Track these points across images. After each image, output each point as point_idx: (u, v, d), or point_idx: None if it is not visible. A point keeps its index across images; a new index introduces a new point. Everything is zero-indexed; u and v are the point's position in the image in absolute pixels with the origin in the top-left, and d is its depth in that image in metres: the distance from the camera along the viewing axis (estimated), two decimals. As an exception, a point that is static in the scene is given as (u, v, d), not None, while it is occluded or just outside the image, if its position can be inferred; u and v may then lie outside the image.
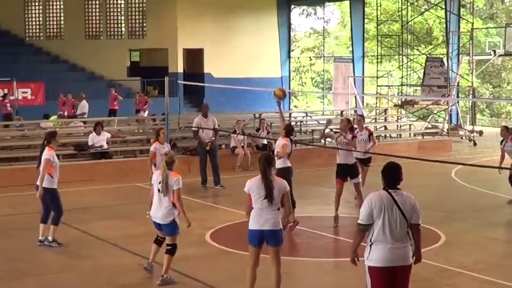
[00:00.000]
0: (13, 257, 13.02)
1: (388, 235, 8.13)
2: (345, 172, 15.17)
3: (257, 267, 9.85)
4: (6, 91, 31.08)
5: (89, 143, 22.38)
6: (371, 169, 16.83)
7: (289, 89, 48.87)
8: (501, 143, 18.04)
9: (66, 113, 31.28)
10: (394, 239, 8.13)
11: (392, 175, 8.34)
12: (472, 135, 32.18)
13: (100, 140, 22.33)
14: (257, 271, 9.87)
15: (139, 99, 33.56)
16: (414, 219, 8.23)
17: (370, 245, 8.24)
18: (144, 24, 45.71)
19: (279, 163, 13.72)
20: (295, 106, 53.97)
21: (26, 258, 12.92)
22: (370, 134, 18.02)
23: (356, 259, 8.46)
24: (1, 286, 11.49)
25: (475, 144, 30.70)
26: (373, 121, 33.38)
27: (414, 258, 8.31)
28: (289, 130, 14.70)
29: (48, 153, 13.28)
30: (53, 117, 28.83)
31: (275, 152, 14.20)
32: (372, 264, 8.21)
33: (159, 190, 11.10)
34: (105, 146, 22.46)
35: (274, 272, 9.79)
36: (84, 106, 31.38)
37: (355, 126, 17.59)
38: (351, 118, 19.27)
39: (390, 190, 8.26)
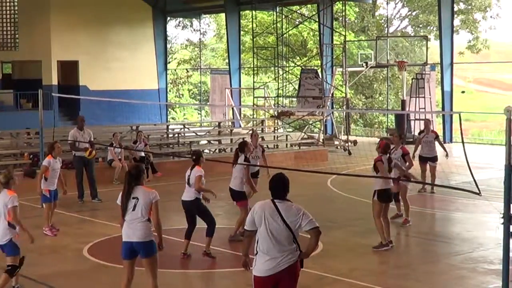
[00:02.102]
0: None
1: (270, 243, 8.26)
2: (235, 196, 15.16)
3: (131, 281, 9.83)
4: None
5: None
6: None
7: (166, 100, 48.79)
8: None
9: None
10: (277, 248, 8.26)
11: (277, 186, 8.49)
12: (346, 144, 32.81)
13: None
14: (131, 285, 9.82)
15: None
16: (308, 225, 8.29)
17: (256, 254, 8.39)
18: (16, 36, 44.66)
19: (193, 194, 13.35)
20: (172, 118, 53.90)
21: None
22: (263, 151, 18.02)
23: (248, 263, 8.60)
24: None
25: (349, 153, 31.28)
26: (250, 132, 33.58)
27: (302, 252, 8.42)
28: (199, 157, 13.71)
29: None
30: None
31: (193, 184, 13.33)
32: (255, 274, 8.37)
33: None
34: (-22, 161, 21.93)
35: (150, 284, 9.78)
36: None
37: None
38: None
39: (275, 200, 8.40)
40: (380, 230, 14.00)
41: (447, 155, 20.47)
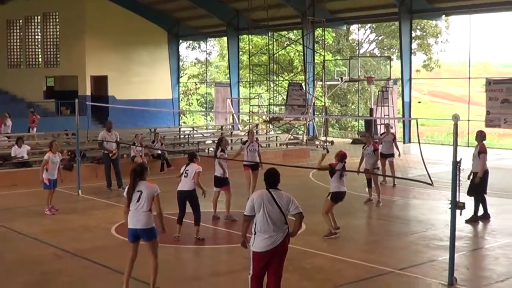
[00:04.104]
0: None
1: (267, 224, 8.34)
2: (219, 182, 15.20)
3: (135, 259, 9.67)
4: None
5: (12, 154, 21.78)
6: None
7: (179, 108, 48.74)
8: (363, 147, 17.96)
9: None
10: (272, 228, 8.35)
11: (271, 178, 8.60)
12: (325, 144, 32.81)
13: (21, 151, 21.77)
14: (135, 262, 9.71)
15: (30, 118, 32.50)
16: (294, 210, 8.45)
17: (254, 234, 8.44)
18: (58, 55, 44.91)
19: (191, 185, 13.15)
20: (183, 122, 53.84)
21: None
22: (259, 145, 18.11)
23: (246, 243, 8.64)
24: None
25: (327, 151, 31.09)
26: (247, 134, 33.58)
27: (290, 232, 8.53)
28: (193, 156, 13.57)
29: None
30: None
31: (190, 177, 13.11)
32: (255, 250, 8.42)
33: None
34: (26, 156, 21.91)
35: (151, 262, 9.61)
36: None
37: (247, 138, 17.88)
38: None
39: (270, 190, 8.50)
40: (328, 222, 13.61)
41: (399, 155, 20.70)
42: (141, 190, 9.55)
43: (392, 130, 21.71)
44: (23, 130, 30.44)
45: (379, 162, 18.49)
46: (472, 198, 14.98)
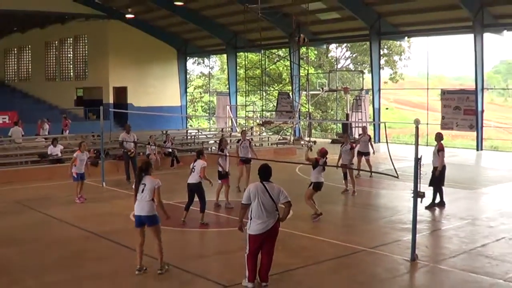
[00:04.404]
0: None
1: (261, 211, 8.35)
2: (220, 176, 15.16)
3: (143, 243, 9.56)
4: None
5: (48, 153, 21.73)
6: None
7: (186, 113, 48.68)
8: (341, 146, 17.90)
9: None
10: (265, 214, 8.36)
11: (264, 172, 8.63)
12: (309, 143, 32.75)
13: (56, 150, 21.71)
14: (144, 245, 9.61)
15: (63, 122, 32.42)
16: (284, 199, 8.47)
17: (250, 219, 8.44)
18: (86, 70, 44.91)
19: (198, 179, 12.93)
20: (190, 125, 53.74)
21: None
22: (250, 143, 18.11)
23: (242, 227, 8.66)
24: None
25: (311, 150, 31.00)
26: (241, 133, 33.46)
27: (280, 217, 8.55)
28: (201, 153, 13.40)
29: None
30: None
31: (197, 172, 12.90)
32: (251, 233, 8.43)
33: None
34: (60, 154, 21.84)
35: (156, 244, 9.54)
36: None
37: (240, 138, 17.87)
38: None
39: (263, 182, 8.54)
40: (312, 207, 13.70)
41: (374, 152, 20.70)
42: (145, 183, 9.54)
43: (367, 132, 21.71)
44: (58, 132, 30.36)
45: (355, 158, 18.51)
46: (431, 188, 15.01)
